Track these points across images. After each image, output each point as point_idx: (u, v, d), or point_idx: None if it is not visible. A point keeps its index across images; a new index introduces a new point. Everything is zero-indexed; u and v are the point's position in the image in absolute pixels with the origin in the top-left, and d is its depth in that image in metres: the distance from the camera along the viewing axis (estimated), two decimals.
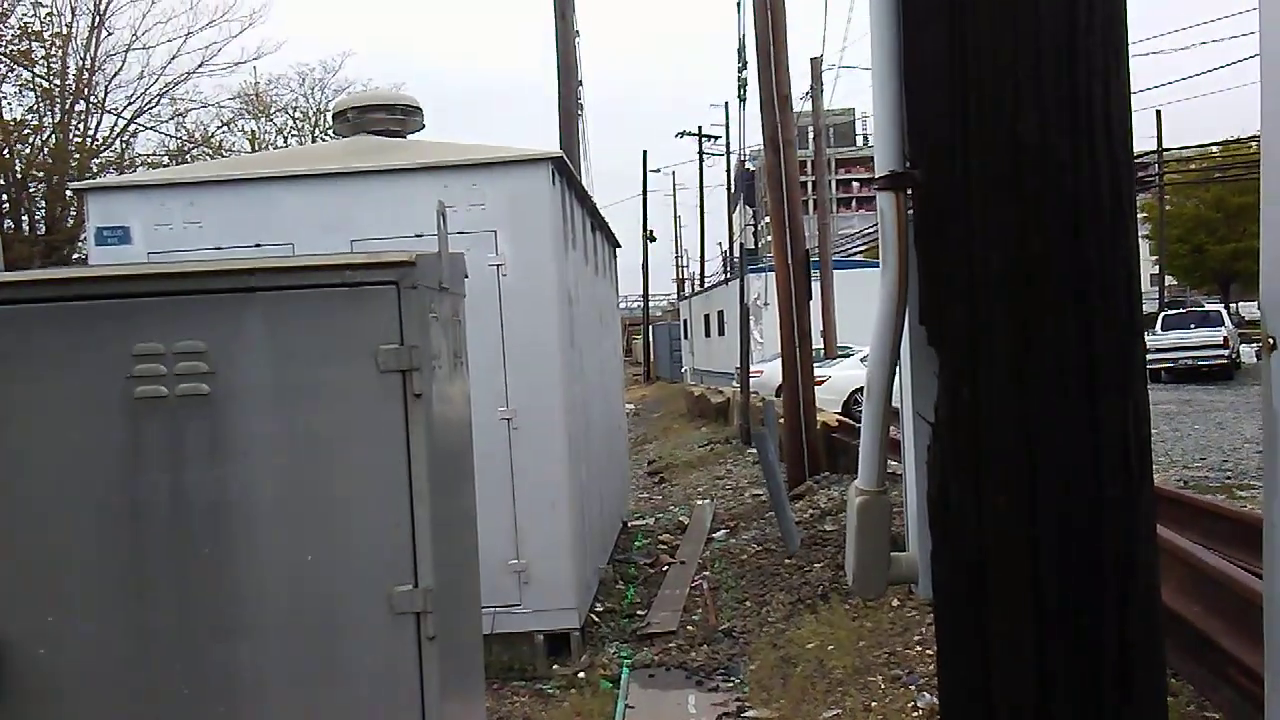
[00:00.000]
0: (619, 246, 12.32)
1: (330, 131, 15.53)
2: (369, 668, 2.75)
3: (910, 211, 2.08)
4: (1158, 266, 49.17)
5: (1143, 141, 40.10)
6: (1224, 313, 30.21)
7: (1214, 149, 46.77)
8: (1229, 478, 11.46)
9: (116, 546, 2.73)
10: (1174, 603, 4.94)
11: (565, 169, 7.51)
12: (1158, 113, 40.70)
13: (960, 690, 2.07)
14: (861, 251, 42.10)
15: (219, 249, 6.65)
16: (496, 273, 6.82)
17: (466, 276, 3.58)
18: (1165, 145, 41.81)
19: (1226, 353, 26.44)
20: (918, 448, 2.14)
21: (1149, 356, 24.05)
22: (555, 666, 6.89)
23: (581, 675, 6.74)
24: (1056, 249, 1.91)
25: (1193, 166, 46.98)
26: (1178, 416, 17.82)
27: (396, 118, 8.11)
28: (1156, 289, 47.83)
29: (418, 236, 5.96)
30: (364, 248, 6.13)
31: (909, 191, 2.07)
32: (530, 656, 6.91)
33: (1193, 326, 27.62)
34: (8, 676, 2.69)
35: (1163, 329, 27.82)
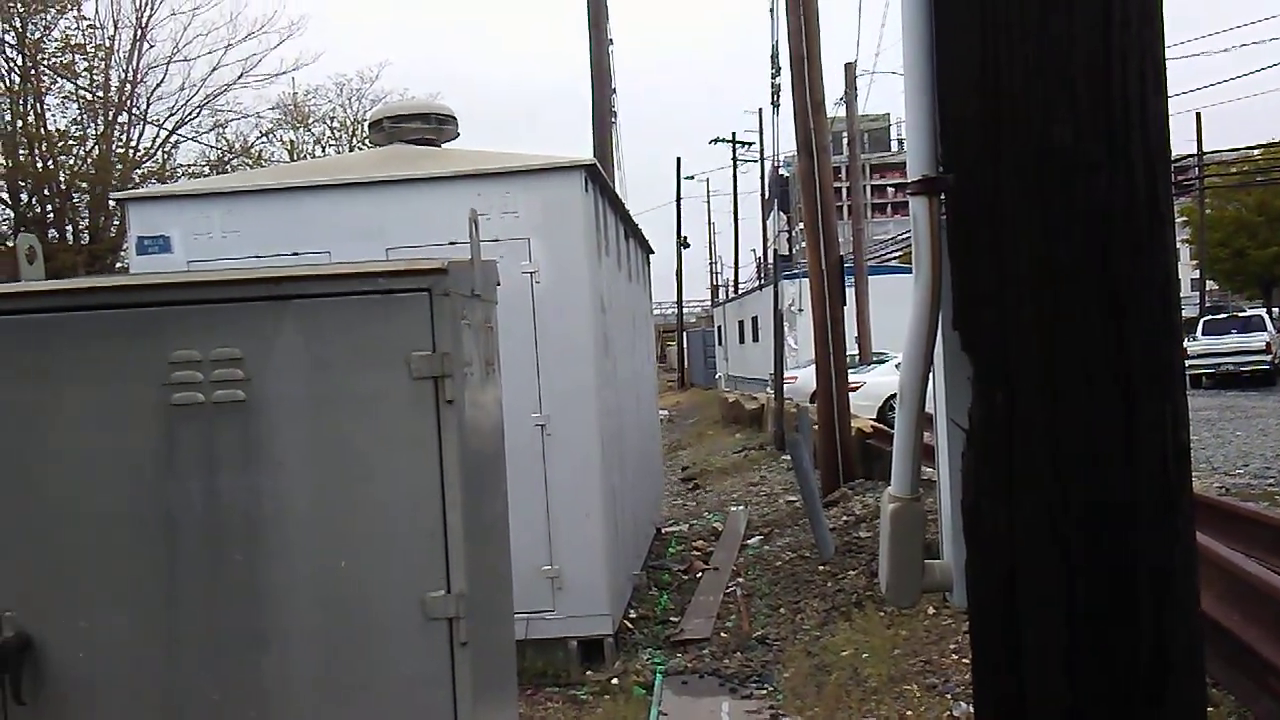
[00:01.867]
0: (652, 253, 12.34)
1: (367, 141, 15.65)
2: (401, 674, 2.75)
3: (943, 216, 2.06)
4: (1198, 271, 48.54)
5: (1183, 144, 39.64)
6: (1265, 317, 29.74)
7: (1255, 152, 46.12)
8: (1271, 485, 11.28)
9: (151, 551, 2.76)
10: (1214, 611, 4.87)
11: (598, 176, 7.53)
12: (1198, 115, 40.19)
13: (995, 700, 2.05)
14: (896, 257, 41.85)
15: (258, 257, 6.73)
16: (530, 280, 6.85)
17: (499, 284, 3.60)
18: (1205, 148, 41.25)
19: (1268, 358, 26.06)
20: (951, 454, 2.12)
21: (1189, 362, 23.70)
22: (588, 673, 6.89)
23: (615, 682, 6.74)
24: (1091, 252, 1.89)
25: (1233, 170, 46.34)
26: (1218, 423, 17.57)
27: (431, 127, 8.18)
28: (1197, 294, 47.20)
29: (452, 244, 6.02)
30: (399, 255, 6.17)
31: (942, 196, 2.06)
32: (564, 662, 6.92)
33: (1233, 332, 27.23)
34: (41, 678, 2.73)
35: (1203, 334, 27.45)
